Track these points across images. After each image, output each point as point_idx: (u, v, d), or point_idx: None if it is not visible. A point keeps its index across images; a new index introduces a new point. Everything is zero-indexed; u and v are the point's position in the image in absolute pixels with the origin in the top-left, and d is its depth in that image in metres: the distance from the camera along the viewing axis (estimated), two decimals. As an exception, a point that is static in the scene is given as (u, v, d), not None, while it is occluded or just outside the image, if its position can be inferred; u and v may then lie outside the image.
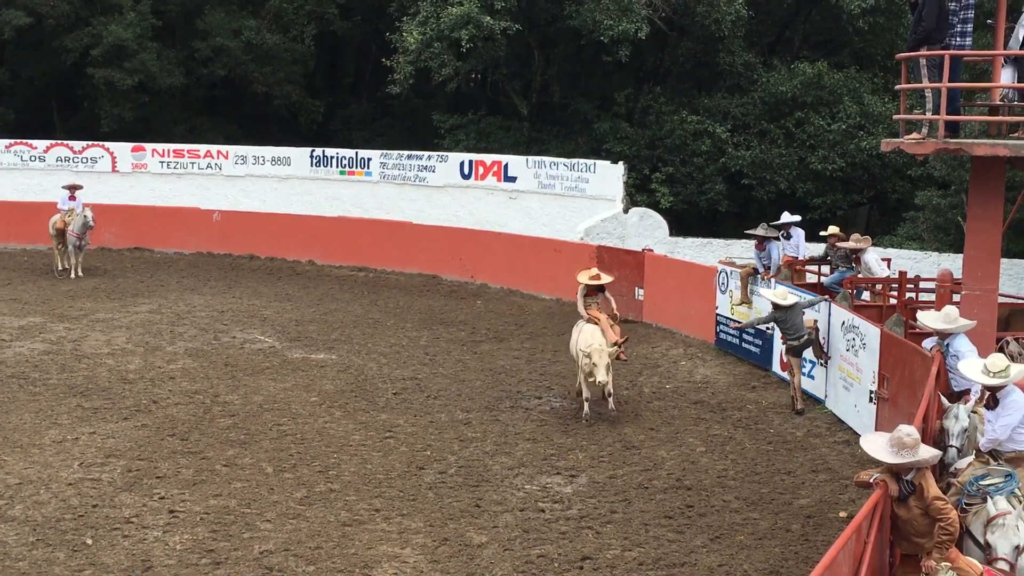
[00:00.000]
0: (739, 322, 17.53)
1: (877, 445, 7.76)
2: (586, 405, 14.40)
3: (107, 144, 29.01)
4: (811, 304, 15.39)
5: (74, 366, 16.50)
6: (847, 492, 11.99)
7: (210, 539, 10.45)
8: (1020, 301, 17.24)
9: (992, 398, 9.27)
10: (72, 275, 23.85)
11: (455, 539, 10.61)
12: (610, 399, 14.48)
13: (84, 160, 28.67)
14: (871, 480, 7.84)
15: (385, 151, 27.86)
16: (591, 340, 14.26)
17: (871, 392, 13.62)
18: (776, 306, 15.06)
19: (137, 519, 10.86)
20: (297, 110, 33.59)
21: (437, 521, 11.03)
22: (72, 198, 24.33)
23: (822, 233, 17.68)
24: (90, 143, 28.99)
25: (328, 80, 37.69)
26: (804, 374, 15.48)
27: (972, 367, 9.68)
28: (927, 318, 11.70)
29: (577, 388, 14.96)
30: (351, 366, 16.97)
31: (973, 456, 9.20)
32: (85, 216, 23.58)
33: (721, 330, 18.41)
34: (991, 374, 9.16)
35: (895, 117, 13.98)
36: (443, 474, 12.39)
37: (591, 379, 14.17)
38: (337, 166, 27.88)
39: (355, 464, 12.61)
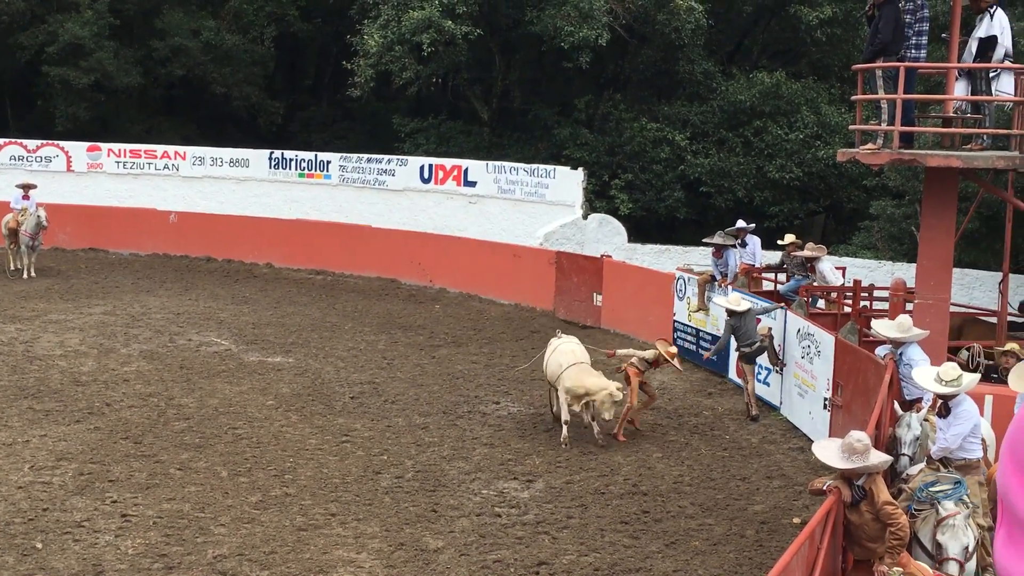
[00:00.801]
0: (707, 349, 17.46)
1: (829, 451, 7.85)
2: (565, 428, 13.63)
3: (62, 143, 28.66)
4: (766, 311, 15.53)
5: (25, 368, 16.27)
6: (801, 498, 12.09)
7: (163, 543, 10.34)
8: (972, 311, 17.52)
9: (944, 407, 9.39)
10: (25, 275, 23.47)
11: (411, 544, 10.57)
12: (595, 424, 13.81)
13: (38, 159, 28.30)
14: (824, 487, 7.92)
15: (345, 154, 27.76)
16: (586, 380, 13.54)
17: (825, 399, 13.75)
18: (731, 313, 15.18)
19: (88, 523, 10.73)
20: (256, 112, 33.39)
21: (393, 526, 11.00)
22: (26, 197, 23.96)
23: (780, 242, 17.85)
24: (45, 142, 28.62)
25: (288, 82, 37.49)
26: (760, 381, 15.61)
27: (925, 375, 9.81)
28: (881, 327, 11.86)
29: (555, 412, 14.27)
30: (308, 370, 16.88)
31: (924, 463, 9.33)
32: (39, 216, 23.16)
33: (678, 336, 18.51)
34: (944, 383, 9.28)
35: (851, 127, 14.16)
36: (400, 479, 12.35)
37: (578, 407, 13.60)
38: (296, 168, 27.74)
39: (311, 468, 12.54)
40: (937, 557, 7.87)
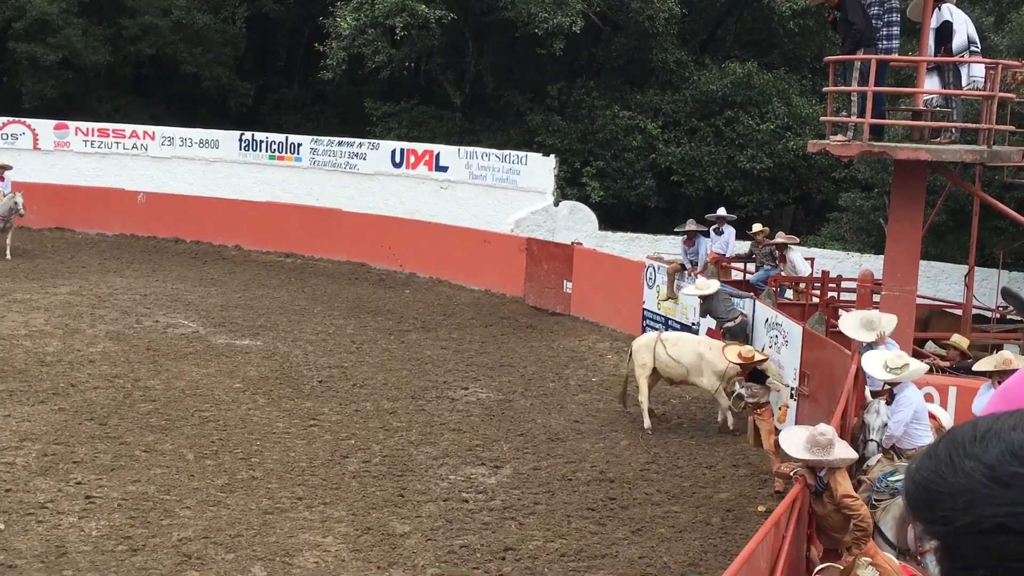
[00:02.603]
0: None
1: (794, 441, 7.89)
2: (729, 416, 13.85)
3: (29, 121, 28.30)
4: (738, 294, 15.53)
5: (-11, 347, 16.10)
6: (767, 487, 12.18)
7: (127, 525, 10.28)
8: (938, 303, 17.68)
9: (890, 393, 9.52)
10: (6, 255, 23.10)
11: (378, 528, 10.56)
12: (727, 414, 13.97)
13: (4, 136, 27.94)
14: (792, 473, 7.98)
15: (316, 137, 27.61)
16: (708, 341, 14.09)
17: (791, 389, 13.85)
18: (702, 298, 15.17)
19: (52, 504, 10.64)
20: (227, 92, 33.13)
21: (360, 510, 10.98)
22: (0, 179, 23.52)
23: (749, 232, 17.94)
24: (11, 119, 28.25)
25: (259, 63, 37.23)
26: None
27: (873, 362, 9.91)
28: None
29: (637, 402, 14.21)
30: (276, 353, 16.80)
31: (881, 454, 9.42)
32: (15, 202, 22.75)
33: (648, 324, 18.57)
34: (889, 370, 9.40)
35: (822, 119, 14.23)
36: (367, 463, 12.33)
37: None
38: (267, 150, 27.56)
39: (278, 452, 12.49)
40: (915, 549, 7.96)
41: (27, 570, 9.28)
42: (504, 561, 10.01)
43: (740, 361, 12.50)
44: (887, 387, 9.70)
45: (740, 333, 15.21)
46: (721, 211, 18.76)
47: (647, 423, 13.89)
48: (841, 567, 6.95)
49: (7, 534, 9.93)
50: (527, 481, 12.04)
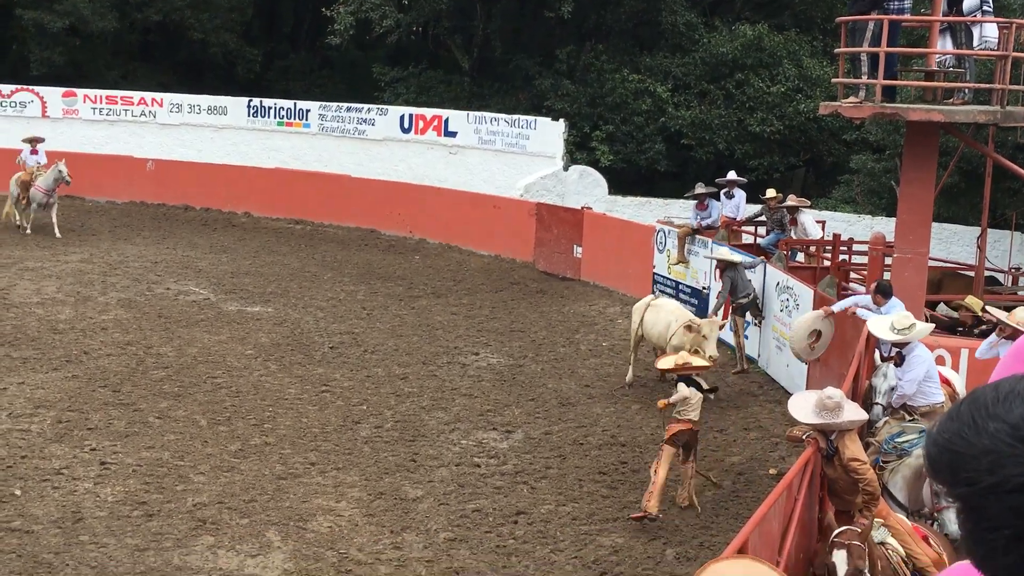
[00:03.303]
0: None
1: (803, 405, 7.87)
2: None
3: (37, 88, 28.24)
4: (752, 265, 15.49)
5: (2, 315, 16.16)
6: (777, 450, 12.21)
7: (142, 491, 10.35)
8: (950, 265, 17.62)
9: (899, 355, 9.52)
10: (27, 230, 22.08)
11: (391, 493, 10.63)
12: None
13: (13, 104, 27.91)
14: (804, 437, 7.99)
15: (324, 103, 27.49)
16: (681, 314, 13.96)
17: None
18: (728, 265, 15.09)
19: (67, 471, 10.72)
20: (234, 59, 32.97)
21: (373, 475, 11.04)
22: (34, 152, 22.45)
23: (761, 196, 17.82)
24: (19, 87, 28.20)
25: (266, 29, 37.00)
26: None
27: (879, 324, 9.92)
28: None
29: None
30: (287, 319, 16.84)
31: (888, 416, 9.43)
32: (59, 170, 21.37)
33: (658, 289, 18.54)
34: (896, 331, 9.41)
35: (833, 81, 14.12)
36: (379, 429, 12.39)
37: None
38: (275, 117, 27.48)
39: (290, 418, 12.55)
40: (932, 507, 7.97)
41: (44, 535, 9.37)
42: (516, 525, 10.07)
43: (673, 369, 11.01)
44: (896, 351, 9.69)
45: (745, 312, 15.22)
46: (731, 175, 18.67)
47: (629, 376, 14.28)
48: (859, 529, 6.96)
49: (23, 500, 10.01)
50: (539, 445, 12.09)
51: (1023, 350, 2.36)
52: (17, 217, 22.18)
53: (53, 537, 9.35)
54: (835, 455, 7.70)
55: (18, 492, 10.17)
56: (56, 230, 21.63)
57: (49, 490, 10.26)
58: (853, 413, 7.88)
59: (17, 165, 22.40)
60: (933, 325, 10.60)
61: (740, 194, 18.40)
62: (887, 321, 9.85)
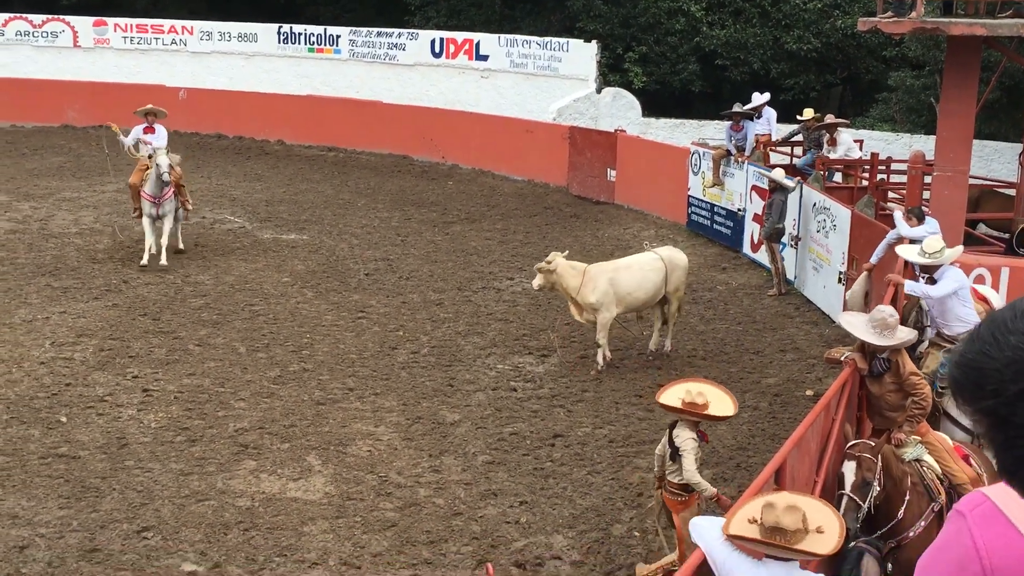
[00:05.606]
0: (721, 224, 17.49)
1: (858, 326, 7.84)
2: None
3: (67, 18, 28.17)
4: (794, 189, 15.28)
5: (42, 245, 16.33)
6: (814, 371, 12.20)
7: (184, 417, 10.52)
8: (990, 183, 17.36)
9: (931, 280, 9.47)
10: (160, 259, 15.21)
11: (428, 417, 10.74)
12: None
13: (44, 35, 27.88)
14: (842, 358, 7.97)
15: (355, 28, 27.26)
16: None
17: (840, 273, 13.74)
18: (782, 187, 14.95)
19: (111, 397, 10.91)
20: (263, -16, 32.65)
21: (410, 400, 11.15)
22: (149, 130, 15.88)
23: (799, 117, 17.52)
24: (50, 17, 28.13)
25: (294, -47, 36.59)
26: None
27: (908, 249, 9.89)
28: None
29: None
30: (322, 247, 16.90)
31: (927, 345, 9.42)
32: (157, 164, 14.96)
33: (692, 212, 18.43)
34: (927, 255, 9.36)
35: (873, -4, 13.80)
36: (416, 354, 12.47)
37: None
38: (305, 43, 27.30)
39: (328, 344, 12.66)
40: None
41: (90, 461, 9.56)
42: (553, 448, 10.16)
43: (682, 407, 7.47)
44: (927, 276, 9.61)
45: (773, 238, 15.10)
46: (755, 98, 18.14)
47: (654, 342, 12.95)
48: (871, 443, 6.98)
49: (69, 427, 10.21)
50: (574, 369, 12.14)
51: None
52: (150, 240, 15.28)
53: (99, 462, 9.55)
54: (886, 373, 7.70)
55: (64, 419, 10.37)
56: (162, 255, 15.19)
57: (94, 417, 10.45)
58: (906, 332, 7.90)
59: (124, 149, 16.53)
60: (962, 248, 10.45)
61: (769, 112, 18.07)
62: (915, 247, 9.82)
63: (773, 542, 5.01)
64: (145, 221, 15.20)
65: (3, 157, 23.28)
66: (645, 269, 12.24)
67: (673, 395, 7.47)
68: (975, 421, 1.71)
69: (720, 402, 7.47)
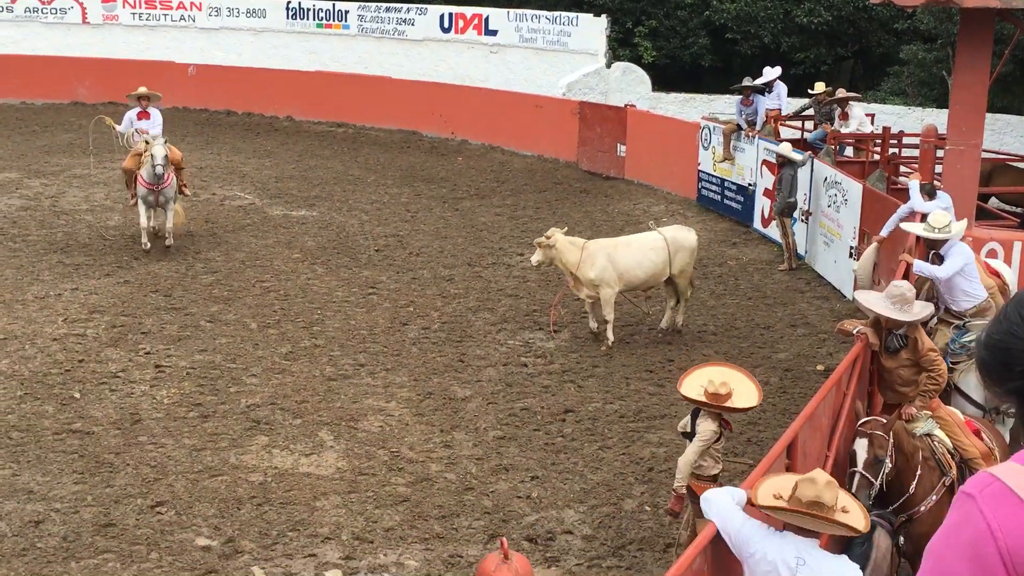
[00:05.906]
0: (732, 199, 17.45)
1: (877, 303, 7.81)
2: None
3: (76, -5, 28.10)
4: (803, 162, 15.23)
5: (53, 222, 16.38)
6: (825, 346, 12.19)
7: (197, 393, 10.57)
8: (1002, 156, 17.27)
9: (936, 255, 9.42)
10: (167, 240, 15.07)
11: (439, 393, 10.77)
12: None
13: (53, 11, 27.81)
14: (854, 332, 7.96)
15: (363, 3, 27.15)
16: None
17: (851, 248, 13.71)
18: (791, 161, 14.92)
19: (124, 374, 10.96)
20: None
21: (421, 376, 11.18)
22: (144, 115, 15.79)
23: (811, 91, 17.43)
24: (58, -7, 28.06)
25: (302, -72, 36.41)
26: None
27: (915, 225, 9.85)
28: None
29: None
30: (332, 223, 16.91)
31: (936, 321, 9.39)
32: (152, 155, 14.49)
33: (703, 187, 18.38)
34: (935, 230, 9.31)
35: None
36: (426, 330, 12.50)
37: None
38: (314, 19, 27.21)
39: (339, 320, 12.69)
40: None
41: (104, 436, 9.63)
42: (564, 423, 10.18)
43: (704, 399, 7.27)
44: (934, 252, 9.56)
45: (786, 212, 15.06)
46: (767, 72, 17.99)
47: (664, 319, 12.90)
48: (883, 420, 6.98)
49: (83, 402, 10.27)
50: (585, 345, 12.16)
51: None
52: (143, 225, 15.03)
53: (113, 438, 9.61)
54: (902, 348, 7.69)
55: (77, 395, 10.43)
56: (168, 236, 15.08)
57: (107, 392, 10.51)
58: (924, 307, 7.89)
59: (120, 140, 16.31)
60: (966, 221, 10.41)
61: (779, 85, 17.98)
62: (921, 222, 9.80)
63: (816, 514, 5.02)
64: (140, 206, 14.86)
65: (13, 134, 23.30)
66: (645, 248, 12.23)
67: (695, 384, 7.27)
68: (1004, 401, 1.69)
69: (744, 389, 7.29)
